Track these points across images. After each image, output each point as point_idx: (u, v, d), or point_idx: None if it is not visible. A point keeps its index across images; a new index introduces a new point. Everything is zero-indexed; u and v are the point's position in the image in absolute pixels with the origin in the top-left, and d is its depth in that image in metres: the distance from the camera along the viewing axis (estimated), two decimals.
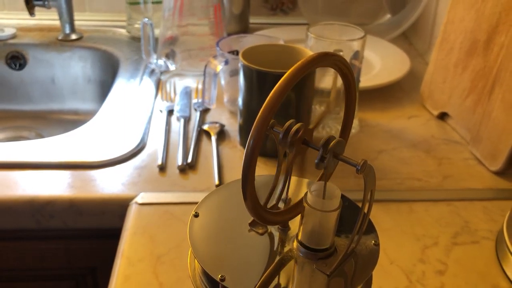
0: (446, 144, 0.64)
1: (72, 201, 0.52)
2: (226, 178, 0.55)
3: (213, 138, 0.62)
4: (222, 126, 0.65)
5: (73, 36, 0.91)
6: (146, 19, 0.75)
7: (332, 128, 0.65)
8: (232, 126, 0.65)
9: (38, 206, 0.51)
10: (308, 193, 0.26)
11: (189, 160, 0.58)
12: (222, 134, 0.64)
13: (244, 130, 0.62)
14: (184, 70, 0.79)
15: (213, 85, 0.65)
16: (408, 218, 0.51)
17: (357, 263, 0.27)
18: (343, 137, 0.30)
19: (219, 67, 0.64)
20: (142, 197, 0.52)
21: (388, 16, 0.97)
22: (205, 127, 0.64)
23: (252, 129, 0.25)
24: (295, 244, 0.28)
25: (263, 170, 0.57)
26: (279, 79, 0.55)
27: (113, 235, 0.55)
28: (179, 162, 0.57)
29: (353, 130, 0.65)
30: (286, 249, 0.28)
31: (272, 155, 0.59)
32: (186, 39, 0.79)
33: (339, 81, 0.59)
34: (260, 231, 0.29)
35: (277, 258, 0.28)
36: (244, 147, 0.59)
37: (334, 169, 0.27)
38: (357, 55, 0.62)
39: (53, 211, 0.52)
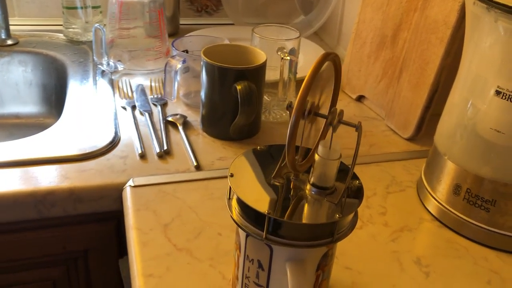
0: (366, 121, 0.79)
1: (72, 190, 0.58)
2: (200, 160, 0.65)
3: (180, 128, 0.71)
4: (185, 117, 0.74)
5: (9, 42, 0.92)
6: (97, 24, 0.81)
7: (276, 114, 0.77)
8: (191, 117, 0.75)
9: (40, 197, 0.57)
10: (319, 147, 0.38)
11: (165, 147, 0.66)
12: (185, 124, 0.73)
13: (206, 120, 0.71)
14: (131, 70, 0.86)
15: (174, 81, 0.73)
16: None
17: (350, 196, 0.40)
18: (330, 111, 0.42)
19: (179, 65, 0.73)
20: (134, 181, 0.60)
21: (302, 16, 1.12)
22: (170, 118, 0.73)
23: (294, 108, 0.35)
24: (308, 186, 0.39)
25: (228, 151, 0.68)
26: (239, 73, 0.68)
27: (107, 218, 0.62)
28: (157, 149, 0.66)
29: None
30: (301, 191, 0.40)
31: (232, 139, 0.69)
32: (129, 42, 0.86)
33: (285, 74, 0.71)
34: (281, 181, 0.40)
35: (296, 196, 0.39)
36: (207, 134, 0.69)
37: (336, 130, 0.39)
38: (293, 51, 0.75)
39: (54, 201, 0.58)
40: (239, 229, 0.41)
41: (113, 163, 0.63)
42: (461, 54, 0.58)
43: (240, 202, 0.39)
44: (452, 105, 0.58)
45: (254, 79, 0.67)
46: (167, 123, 0.72)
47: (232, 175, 0.40)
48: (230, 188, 0.41)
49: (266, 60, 0.68)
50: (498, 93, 0.50)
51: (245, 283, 0.42)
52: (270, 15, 1.14)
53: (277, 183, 0.40)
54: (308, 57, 0.94)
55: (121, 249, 0.66)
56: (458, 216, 0.56)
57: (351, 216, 0.39)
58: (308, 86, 0.35)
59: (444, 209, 0.57)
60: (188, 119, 0.74)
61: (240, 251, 0.41)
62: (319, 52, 0.96)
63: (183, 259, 0.50)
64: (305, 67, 0.91)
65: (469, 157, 0.55)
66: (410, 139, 0.74)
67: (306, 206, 0.39)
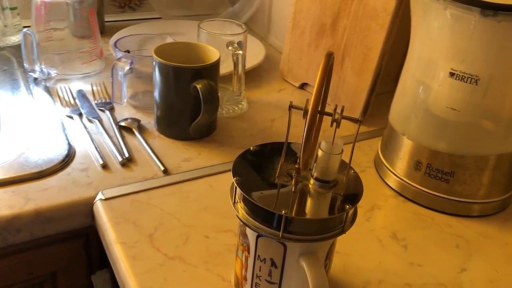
0: None
1: (38, 211, 0.54)
2: (165, 163, 0.63)
3: (136, 132, 0.69)
4: (138, 120, 0.71)
5: None
6: (26, 29, 0.75)
7: (229, 108, 0.77)
8: (143, 119, 0.72)
9: (4, 224, 0.52)
10: (322, 143, 0.39)
11: (126, 154, 0.64)
12: (140, 128, 0.70)
13: (163, 121, 0.70)
14: (66, 75, 0.81)
15: (123, 84, 0.70)
16: None
17: (350, 186, 0.42)
18: (322, 108, 0.43)
19: (127, 67, 0.70)
20: (104, 194, 0.57)
21: (231, 8, 1.12)
22: (123, 123, 0.70)
23: (310, 110, 0.36)
24: (311, 181, 0.41)
25: (191, 152, 0.67)
26: (195, 72, 0.67)
27: (75, 236, 0.59)
28: (118, 157, 0.63)
29: (243, 110, 0.78)
30: (305, 187, 0.41)
31: (192, 139, 0.69)
32: (57, 44, 0.81)
33: (239, 68, 0.72)
34: (286, 179, 0.41)
35: (302, 192, 0.40)
36: (165, 136, 0.68)
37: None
38: (240, 44, 0.75)
39: (19, 225, 0.53)
40: (248, 231, 0.41)
41: (75, 178, 0.59)
42: (398, 39, 0.62)
43: (251, 204, 0.39)
44: (405, 88, 0.63)
45: (210, 77, 0.66)
46: (121, 129, 0.69)
47: (238, 179, 0.40)
48: (235, 191, 0.41)
49: (219, 57, 0.67)
50: (452, 74, 0.54)
51: (256, 283, 0.43)
52: (196, 7, 1.13)
53: (282, 182, 0.41)
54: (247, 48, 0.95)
55: (92, 266, 0.63)
56: (421, 189, 0.61)
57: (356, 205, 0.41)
58: (320, 87, 0.36)
59: (406, 184, 0.62)
60: (142, 122, 0.72)
61: (249, 252, 0.42)
62: (254, 43, 0.97)
63: (178, 267, 0.49)
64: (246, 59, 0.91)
65: (426, 134, 0.59)
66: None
67: (313, 200, 0.40)
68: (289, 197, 0.40)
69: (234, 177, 0.40)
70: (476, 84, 0.53)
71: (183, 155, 0.66)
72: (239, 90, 0.74)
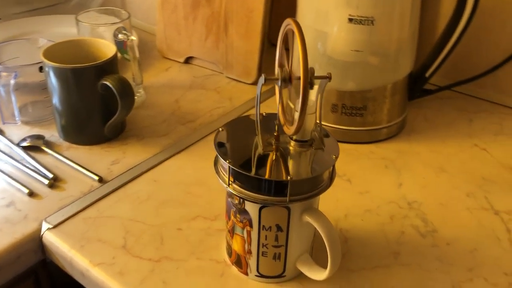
0: (207, 79, 0.83)
1: None
2: (96, 171, 0.59)
3: (46, 149, 0.62)
4: (42, 136, 0.64)
5: None
6: None
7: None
8: (44, 133, 0.66)
9: None
10: (297, 105, 0.42)
11: (49, 175, 0.58)
12: (48, 143, 0.64)
13: (70, 129, 0.64)
14: None
15: (13, 99, 0.62)
16: None
17: (328, 144, 0.45)
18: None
19: (12, 81, 0.62)
20: (49, 222, 0.52)
21: None
22: (26, 144, 0.63)
23: (303, 80, 0.37)
24: (291, 143, 0.43)
25: (114, 153, 0.63)
26: (98, 70, 0.65)
27: (25, 277, 0.53)
28: (44, 180, 0.57)
29: (142, 98, 0.75)
30: (289, 150, 0.43)
31: (107, 140, 0.65)
32: None
33: (136, 54, 0.68)
34: (271, 148, 0.43)
35: (289, 155, 0.43)
36: (77, 144, 0.63)
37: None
38: (122, 30, 0.71)
39: None
40: (249, 206, 0.42)
41: (5, 215, 0.52)
42: None
43: (252, 180, 0.40)
44: None
45: (114, 71, 0.62)
46: (26, 150, 0.62)
47: (230, 162, 0.41)
48: (229, 173, 0.41)
49: (116, 50, 0.64)
50: (350, 20, 0.60)
51: (263, 251, 0.44)
52: (36, 0, 1.01)
53: (268, 151, 0.43)
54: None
55: None
56: (341, 128, 0.67)
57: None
58: (306, 52, 0.38)
59: (328, 127, 0.68)
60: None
61: (251, 226, 0.43)
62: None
63: (169, 267, 0.48)
64: None
65: (334, 79, 0.65)
66: (255, 83, 0.82)
67: (300, 160, 0.43)
68: (279, 162, 0.42)
69: (226, 161, 0.41)
70: (373, 25, 0.60)
71: (109, 159, 0.62)
72: (140, 78, 0.71)
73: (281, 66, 0.44)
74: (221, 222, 0.53)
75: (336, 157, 0.42)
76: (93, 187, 0.57)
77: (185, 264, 0.48)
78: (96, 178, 0.58)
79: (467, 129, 0.72)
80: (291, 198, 0.40)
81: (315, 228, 0.42)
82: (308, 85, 0.38)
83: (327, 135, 0.45)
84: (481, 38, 0.74)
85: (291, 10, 0.68)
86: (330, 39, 0.63)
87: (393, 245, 0.52)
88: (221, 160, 0.42)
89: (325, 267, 0.43)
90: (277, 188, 0.40)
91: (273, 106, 0.74)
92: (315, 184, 0.42)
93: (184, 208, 0.55)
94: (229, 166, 0.41)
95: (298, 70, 0.42)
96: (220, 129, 0.45)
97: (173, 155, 0.64)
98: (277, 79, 0.42)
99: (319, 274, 0.44)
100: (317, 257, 0.47)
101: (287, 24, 0.41)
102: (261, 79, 0.42)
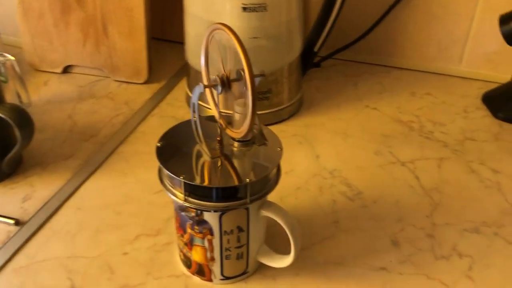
0: (94, 86, 0.78)
1: None
2: (10, 213, 0.53)
3: None
4: None
5: None
6: None
7: None
8: None
9: None
10: (235, 106, 0.42)
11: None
12: None
13: None
14: None
15: None
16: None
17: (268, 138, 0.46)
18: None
19: None
20: None
21: None
22: None
23: (250, 83, 0.37)
24: (235, 145, 0.43)
25: (20, 189, 0.57)
26: None
27: None
28: None
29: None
30: (235, 152, 0.43)
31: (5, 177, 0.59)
32: None
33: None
34: (218, 153, 0.42)
35: (237, 157, 0.43)
36: None
37: None
38: None
39: None
40: (207, 216, 0.42)
41: None
42: None
43: (209, 191, 0.40)
44: (190, 36, 0.67)
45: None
46: None
47: (184, 177, 0.40)
48: (185, 188, 0.40)
49: None
50: (244, 9, 0.61)
51: (226, 255, 0.45)
52: None
53: (216, 157, 0.42)
54: None
55: None
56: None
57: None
58: (246, 51, 0.37)
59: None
60: None
61: (212, 234, 0.43)
62: None
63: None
64: None
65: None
66: (148, 82, 0.79)
67: (246, 159, 0.43)
68: (230, 166, 0.42)
69: (179, 177, 0.40)
70: (266, 10, 0.62)
71: (17, 196, 0.56)
72: (28, 99, 0.64)
73: (207, 70, 0.43)
74: (165, 235, 0.52)
75: (281, 149, 0.44)
76: (11, 233, 0.51)
77: (147, 286, 0.47)
78: (11, 221, 0.52)
79: (355, 92, 0.79)
80: (251, 199, 0.41)
81: (271, 218, 0.43)
82: (255, 85, 0.38)
83: (264, 129, 0.46)
84: (353, 8, 0.81)
85: (171, 2, 0.67)
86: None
87: (330, 214, 0.56)
88: (171, 176, 0.41)
89: (278, 252, 0.45)
90: (235, 193, 0.41)
91: (168, 110, 0.73)
92: (268, 179, 0.43)
93: (122, 231, 0.52)
94: (183, 182, 0.40)
95: (230, 71, 0.42)
96: (158, 144, 0.44)
97: (89, 176, 0.59)
98: (215, 85, 0.41)
99: (282, 262, 0.46)
100: (268, 244, 0.49)
101: (214, 29, 0.40)
102: (199, 88, 0.41)
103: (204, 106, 0.59)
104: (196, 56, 0.68)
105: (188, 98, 0.73)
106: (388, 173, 0.62)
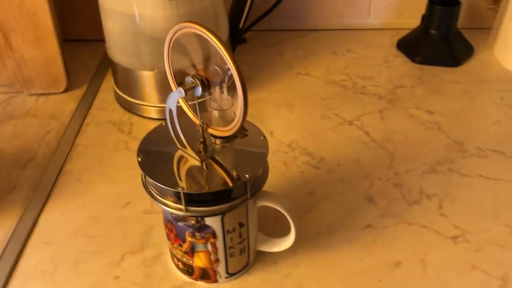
0: (8, 106, 0.70)
1: None
2: None
3: None
4: None
5: None
6: None
7: None
8: None
9: None
10: (212, 103, 0.41)
11: None
12: None
13: None
14: None
15: None
16: None
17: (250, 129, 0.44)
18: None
19: None
20: None
21: None
22: None
23: (240, 83, 0.35)
24: (217, 142, 0.42)
25: None
26: None
27: None
28: None
29: None
30: (220, 150, 0.42)
31: None
32: None
33: None
34: (205, 156, 0.41)
35: (223, 155, 0.42)
36: None
37: None
38: None
39: None
40: (209, 220, 0.41)
41: None
42: None
43: (209, 195, 0.39)
44: (114, 33, 0.62)
45: None
46: None
47: (182, 188, 0.38)
48: (185, 199, 0.39)
49: None
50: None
51: (230, 253, 0.44)
52: None
53: (206, 160, 0.41)
54: None
55: None
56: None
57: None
58: (224, 43, 0.36)
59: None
60: None
61: (215, 237, 0.42)
62: None
63: None
64: None
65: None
66: (67, 89, 0.72)
67: (239, 153, 0.42)
68: (221, 165, 0.41)
69: (176, 189, 0.38)
70: None
71: None
72: None
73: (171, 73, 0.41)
74: (151, 248, 0.50)
75: (264, 137, 0.43)
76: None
77: None
78: None
79: (283, 61, 0.79)
80: (251, 193, 0.41)
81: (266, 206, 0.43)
82: (244, 79, 0.37)
83: (255, 130, 0.45)
84: None
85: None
86: (148, 20, 0.60)
87: (303, 186, 0.57)
88: (165, 190, 0.39)
89: (268, 235, 0.46)
90: (238, 190, 0.40)
91: (102, 116, 0.68)
92: (263, 172, 0.43)
93: (103, 255, 0.49)
94: (182, 193, 0.38)
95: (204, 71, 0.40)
96: (139, 159, 0.41)
97: (43, 206, 0.54)
98: (195, 86, 0.39)
99: (282, 245, 0.46)
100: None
101: (180, 28, 0.38)
102: (178, 92, 0.39)
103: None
104: (124, 53, 0.64)
105: (119, 98, 0.69)
106: (340, 135, 0.65)
